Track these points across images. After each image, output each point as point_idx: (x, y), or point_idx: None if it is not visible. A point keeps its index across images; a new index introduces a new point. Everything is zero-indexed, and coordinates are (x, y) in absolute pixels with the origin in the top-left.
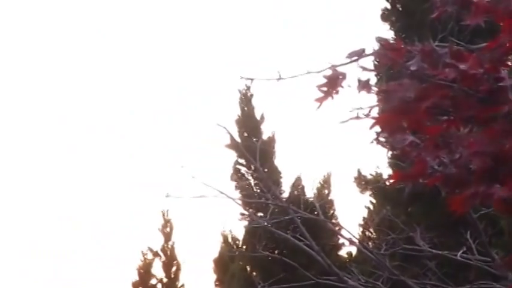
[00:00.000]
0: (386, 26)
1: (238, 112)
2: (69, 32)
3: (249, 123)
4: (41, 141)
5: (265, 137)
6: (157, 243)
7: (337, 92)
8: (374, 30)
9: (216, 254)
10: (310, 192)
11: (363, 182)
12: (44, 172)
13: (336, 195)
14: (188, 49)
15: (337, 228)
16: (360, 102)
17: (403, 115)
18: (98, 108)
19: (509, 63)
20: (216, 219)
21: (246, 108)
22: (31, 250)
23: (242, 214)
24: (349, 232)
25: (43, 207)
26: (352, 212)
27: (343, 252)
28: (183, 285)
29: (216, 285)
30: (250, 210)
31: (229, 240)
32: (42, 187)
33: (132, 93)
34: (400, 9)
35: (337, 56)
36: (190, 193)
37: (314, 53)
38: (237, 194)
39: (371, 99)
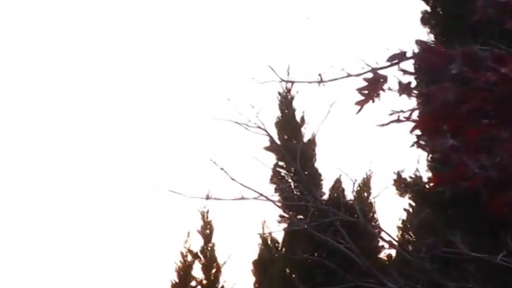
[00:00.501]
0: (426, 29)
1: (278, 114)
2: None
3: (289, 125)
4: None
5: (305, 139)
6: (197, 245)
7: (378, 95)
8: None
9: (255, 256)
10: (350, 195)
11: (402, 185)
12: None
13: (375, 197)
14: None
15: (376, 230)
16: (399, 105)
17: (443, 118)
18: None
19: None
20: (255, 221)
21: (286, 111)
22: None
23: (282, 216)
24: (388, 235)
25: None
26: (391, 215)
27: (382, 255)
28: (222, 287)
29: (255, 287)
30: (290, 212)
31: (269, 242)
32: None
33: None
34: (441, 12)
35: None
36: (230, 195)
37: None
38: (276, 197)
39: (411, 102)
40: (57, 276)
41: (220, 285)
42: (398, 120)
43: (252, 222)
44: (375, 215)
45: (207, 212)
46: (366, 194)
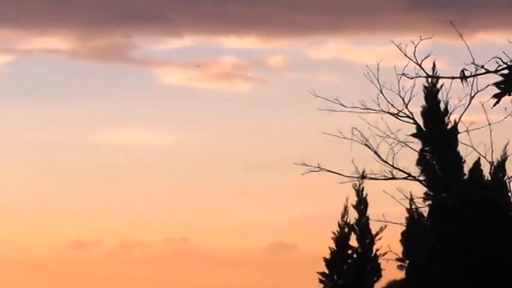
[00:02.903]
0: None
1: (424, 105)
2: None
3: (434, 115)
4: None
5: (448, 127)
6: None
7: None
8: None
9: (403, 228)
10: (487, 176)
11: None
12: None
13: (510, 178)
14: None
15: (509, 206)
16: None
17: None
18: None
19: None
20: (404, 198)
21: (431, 103)
22: None
23: (427, 194)
24: None
25: None
26: None
27: None
28: (375, 255)
29: (403, 255)
30: (435, 191)
31: (415, 216)
32: None
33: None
34: None
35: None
36: (382, 175)
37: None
38: (422, 177)
39: None
40: None
41: (372, 254)
42: None
43: (401, 198)
44: (509, 193)
45: (362, 189)
46: (501, 175)
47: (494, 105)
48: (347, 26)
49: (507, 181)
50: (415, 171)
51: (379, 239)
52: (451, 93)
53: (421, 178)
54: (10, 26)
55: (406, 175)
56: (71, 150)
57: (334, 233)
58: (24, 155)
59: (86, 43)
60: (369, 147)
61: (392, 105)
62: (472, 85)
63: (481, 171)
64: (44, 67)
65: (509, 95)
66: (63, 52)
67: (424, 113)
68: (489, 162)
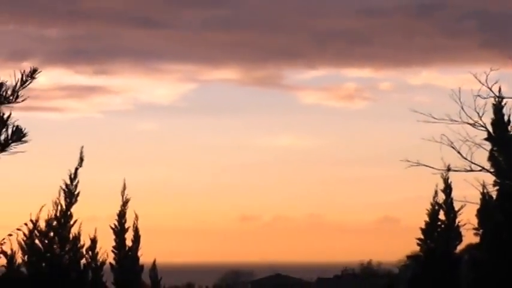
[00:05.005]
0: None
1: (493, 117)
2: None
3: (500, 124)
4: None
5: (511, 133)
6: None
7: None
8: None
9: (478, 207)
10: None
11: None
12: None
13: None
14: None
15: None
16: None
17: None
18: None
19: None
20: (479, 185)
21: (498, 115)
22: None
23: (495, 182)
24: None
25: None
26: None
27: None
28: (457, 226)
29: (478, 225)
30: (502, 179)
31: (487, 198)
32: None
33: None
34: None
35: None
36: (463, 168)
37: None
38: (492, 169)
39: None
40: None
41: (455, 225)
42: None
43: (477, 185)
44: None
45: (448, 178)
46: None
47: None
48: (436, 60)
49: None
50: (487, 165)
51: (461, 214)
52: None
53: (492, 170)
54: (195, 62)
55: (480, 168)
56: (239, 150)
57: (427, 210)
58: (205, 154)
59: (249, 74)
60: (454, 148)
61: (470, 117)
62: None
63: None
64: (220, 92)
65: None
66: (233, 81)
67: (493, 123)
68: None
